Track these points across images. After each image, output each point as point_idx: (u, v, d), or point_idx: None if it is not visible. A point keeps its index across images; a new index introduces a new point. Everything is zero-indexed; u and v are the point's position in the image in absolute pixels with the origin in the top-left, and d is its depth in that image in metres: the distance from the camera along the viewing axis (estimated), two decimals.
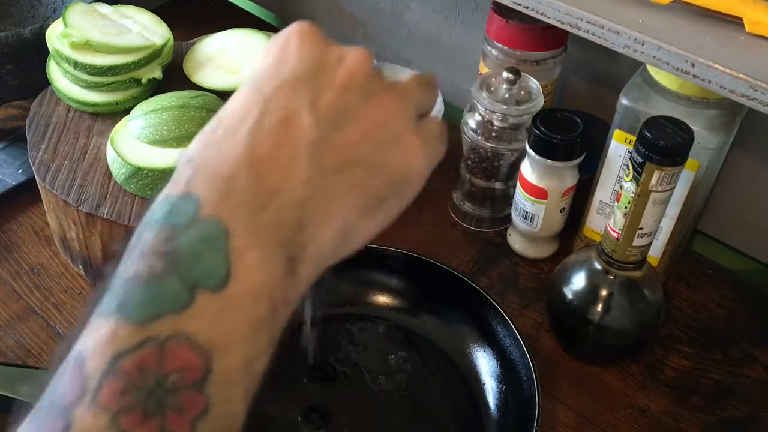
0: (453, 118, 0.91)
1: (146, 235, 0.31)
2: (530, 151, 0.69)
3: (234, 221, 0.30)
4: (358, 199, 0.34)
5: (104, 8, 0.76)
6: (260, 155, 0.31)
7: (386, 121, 0.35)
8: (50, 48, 0.72)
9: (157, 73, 0.74)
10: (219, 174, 0.31)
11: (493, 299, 0.65)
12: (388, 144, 0.35)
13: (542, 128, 0.68)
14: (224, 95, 0.74)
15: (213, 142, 0.33)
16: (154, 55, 0.74)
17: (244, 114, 0.33)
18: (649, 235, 0.60)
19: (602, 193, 0.70)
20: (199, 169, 0.32)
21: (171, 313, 0.29)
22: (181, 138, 0.66)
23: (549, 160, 0.69)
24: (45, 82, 0.75)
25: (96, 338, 0.29)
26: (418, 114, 0.37)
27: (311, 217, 0.32)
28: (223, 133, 0.33)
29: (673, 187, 0.57)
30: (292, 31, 0.36)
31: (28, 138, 0.71)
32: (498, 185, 0.78)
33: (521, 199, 0.73)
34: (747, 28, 0.51)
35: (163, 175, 0.64)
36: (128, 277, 0.30)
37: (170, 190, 0.32)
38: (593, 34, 0.55)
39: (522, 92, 0.72)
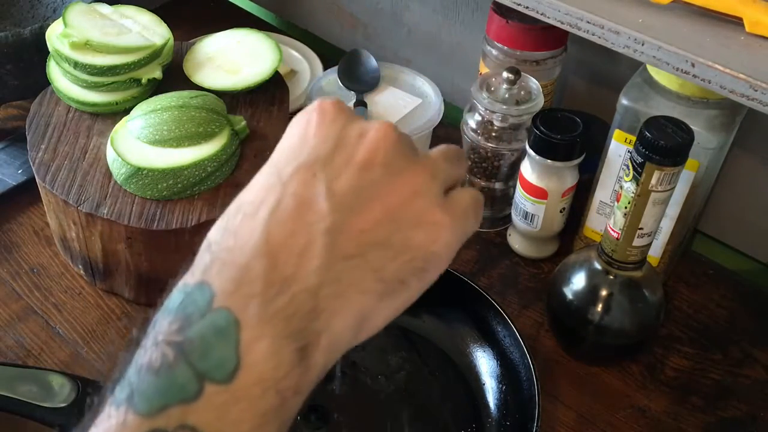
0: (453, 119, 0.91)
1: (161, 323, 0.31)
2: (530, 151, 0.69)
3: (246, 312, 0.30)
4: (376, 283, 0.33)
5: (104, 8, 0.76)
6: (275, 243, 0.32)
7: (409, 199, 0.34)
8: (50, 48, 0.72)
9: (157, 73, 0.74)
10: (234, 263, 0.32)
11: (493, 299, 0.65)
12: (410, 224, 0.34)
13: (542, 128, 0.68)
14: (224, 95, 0.74)
15: (231, 228, 0.33)
16: (154, 55, 0.74)
17: (261, 199, 0.33)
18: (649, 235, 0.60)
19: (602, 193, 0.71)
20: (216, 257, 0.32)
21: (179, 404, 0.29)
22: (181, 138, 0.66)
23: (549, 160, 0.69)
24: (45, 82, 0.75)
25: (106, 427, 0.30)
26: (445, 187, 0.36)
27: (326, 305, 0.31)
28: (242, 219, 0.33)
29: (673, 187, 0.57)
30: (313, 109, 0.36)
31: (28, 138, 0.71)
32: (498, 185, 0.78)
33: (521, 199, 0.73)
34: (747, 28, 0.51)
35: (163, 175, 0.64)
36: (141, 364, 0.30)
37: (188, 279, 0.32)
38: (593, 34, 0.55)
39: (522, 92, 0.72)
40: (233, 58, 0.77)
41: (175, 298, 0.32)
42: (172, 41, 0.76)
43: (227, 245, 0.32)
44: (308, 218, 0.32)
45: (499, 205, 0.80)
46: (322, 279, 0.31)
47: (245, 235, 0.32)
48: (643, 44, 0.52)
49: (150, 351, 0.30)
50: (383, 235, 0.33)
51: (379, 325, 0.35)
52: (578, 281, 0.66)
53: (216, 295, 0.31)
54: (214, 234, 0.34)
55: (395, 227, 0.33)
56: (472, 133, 0.74)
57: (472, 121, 0.74)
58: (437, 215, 0.34)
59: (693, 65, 0.51)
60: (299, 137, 0.35)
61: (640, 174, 0.56)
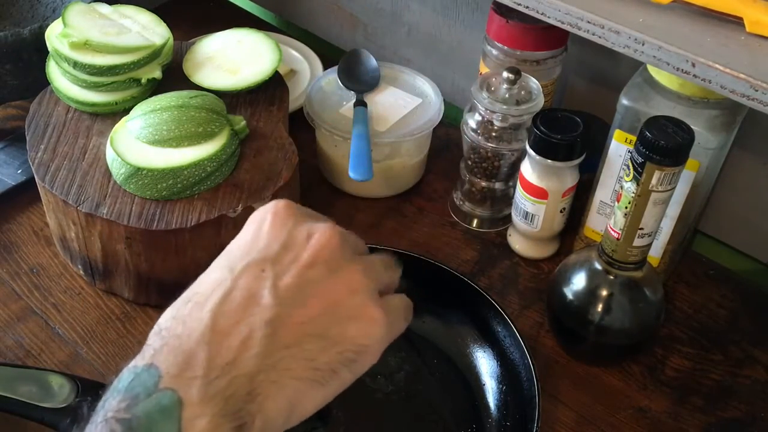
0: (453, 119, 0.91)
1: (110, 402, 0.34)
2: (530, 151, 0.69)
3: (189, 392, 0.34)
4: (309, 371, 0.37)
5: (104, 8, 0.76)
6: (220, 331, 0.35)
7: (347, 296, 0.38)
8: (50, 48, 0.72)
9: (157, 73, 0.74)
10: (181, 348, 0.35)
11: (493, 299, 0.65)
12: (346, 318, 0.38)
13: (542, 128, 0.68)
14: (224, 95, 0.74)
15: (180, 316, 0.37)
16: (154, 55, 0.74)
17: (211, 291, 0.37)
18: (650, 235, 0.60)
19: (602, 193, 0.70)
20: (165, 342, 0.36)
21: None
22: (180, 138, 0.66)
23: (549, 160, 0.68)
24: (44, 82, 0.75)
25: None
26: (379, 290, 0.40)
27: (261, 389, 0.35)
28: (191, 308, 0.37)
29: (674, 187, 0.57)
30: (268, 210, 0.40)
31: (27, 138, 0.71)
32: (498, 185, 0.78)
33: (521, 199, 0.73)
34: (747, 28, 0.51)
35: (162, 175, 0.64)
36: None
37: (137, 361, 0.35)
38: (593, 34, 0.55)
39: (522, 92, 0.72)
40: (233, 58, 0.77)
41: (124, 378, 0.35)
42: (171, 41, 0.76)
43: (176, 332, 0.36)
44: (253, 310, 0.36)
45: (499, 205, 0.80)
46: (260, 365, 0.35)
47: (193, 323, 0.36)
48: (643, 44, 0.52)
49: (99, 427, 0.33)
50: (320, 328, 0.37)
51: (309, 411, 0.38)
52: (578, 281, 0.66)
53: (162, 377, 0.34)
54: (164, 320, 0.37)
55: (331, 320, 0.37)
56: (472, 133, 0.74)
57: (472, 121, 0.74)
58: (372, 311, 0.38)
59: (693, 65, 0.51)
60: (252, 235, 0.40)
61: (640, 174, 0.56)
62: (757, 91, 0.48)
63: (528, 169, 0.71)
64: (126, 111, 0.71)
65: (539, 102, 0.72)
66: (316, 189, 0.84)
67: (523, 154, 0.72)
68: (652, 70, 0.63)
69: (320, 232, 0.39)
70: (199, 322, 0.36)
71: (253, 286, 0.37)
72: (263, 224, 0.40)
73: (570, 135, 0.68)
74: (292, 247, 0.38)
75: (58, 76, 0.73)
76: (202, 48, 0.79)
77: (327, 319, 0.37)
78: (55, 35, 0.72)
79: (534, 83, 0.72)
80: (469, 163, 0.77)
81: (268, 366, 0.35)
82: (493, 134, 0.73)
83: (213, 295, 0.37)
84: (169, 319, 0.37)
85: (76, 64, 0.70)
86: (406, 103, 0.82)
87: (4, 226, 0.77)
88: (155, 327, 0.37)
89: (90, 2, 0.77)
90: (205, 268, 0.66)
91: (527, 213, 0.73)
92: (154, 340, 0.36)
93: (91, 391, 0.56)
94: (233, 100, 0.76)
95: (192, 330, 0.35)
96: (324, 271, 0.38)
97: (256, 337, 0.35)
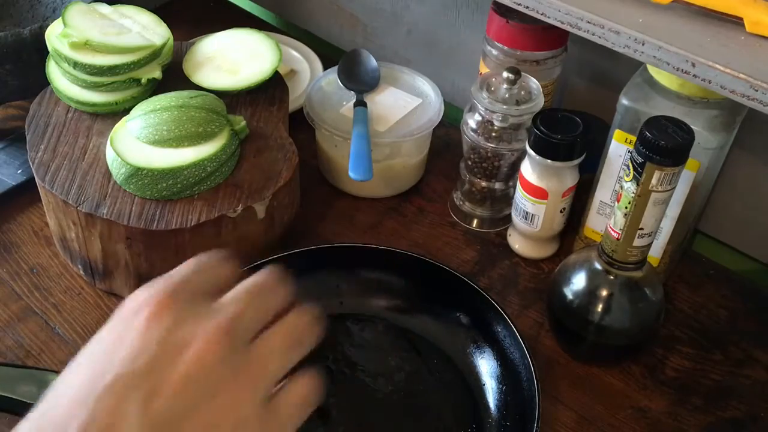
0: (453, 119, 0.91)
1: None
2: (530, 151, 0.69)
3: None
4: None
5: (104, 8, 0.76)
6: None
7: (227, 416, 0.32)
8: (50, 48, 0.72)
9: (157, 73, 0.74)
10: None
11: (493, 299, 0.65)
12: None
13: (542, 128, 0.68)
14: (224, 95, 0.74)
15: None
16: (154, 55, 0.74)
17: (71, 414, 0.30)
18: (650, 236, 0.60)
19: (602, 193, 0.70)
20: None
21: None
22: (180, 138, 0.66)
23: (549, 160, 0.68)
24: (45, 82, 0.75)
25: None
26: (275, 383, 0.35)
27: None
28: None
29: (674, 187, 0.57)
30: (143, 303, 0.33)
31: (27, 138, 0.71)
32: (498, 185, 0.78)
33: (521, 199, 0.73)
34: (747, 28, 0.51)
35: (162, 175, 0.64)
36: None
37: None
38: (593, 34, 0.55)
39: (522, 92, 0.72)
40: (233, 58, 0.77)
41: None
42: (171, 41, 0.76)
43: None
44: None
45: (499, 205, 0.80)
46: None
47: None
48: (643, 44, 0.52)
49: None
50: None
51: None
52: (578, 281, 0.66)
53: None
54: None
55: None
56: (472, 133, 0.74)
57: (472, 121, 0.74)
58: (257, 426, 0.33)
59: (693, 65, 0.51)
60: (118, 337, 0.32)
61: (640, 174, 0.56)
62: (757, 91, 0.48)
63: (528, 170, 0.71)
64: (126, 111, 0.71)
65: (539, 102, 0.72)
66: (316, 189, 0.84)
67: (523, 154, 0.72)
68: (652, 70, 0.63)
69: (200, 340, 0.32)
70: None
71: (117, 413, 0.30)
72: (134, 321, 0.32)
73: (570, 135, 0.68)
74: (163, 361, 0.31)
75: (58, 76, 0.73)
76: (202, 48, 0.79)
77: None
78: (55, 35, 0.72)
79: (534, 83, 0.72)
80: (469, 163, 0.77)
81: None
82: (493, 134, 0.73)
83: (72, 423, 0.30)
84: None
85: (76, 64, 0.70)
86: (406, 103, 0.82)
87: (4, 226, 0.77)
88: None
89: (90, 2, 0.77)
90: None
91: (527, 213, 0.73)
92: None
93: None
94: (233, 100, 0.76)
95: None
96: (200, 392, 0.31)
97: None
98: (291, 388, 0.36)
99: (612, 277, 0.64)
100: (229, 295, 0.35)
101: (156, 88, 0.75)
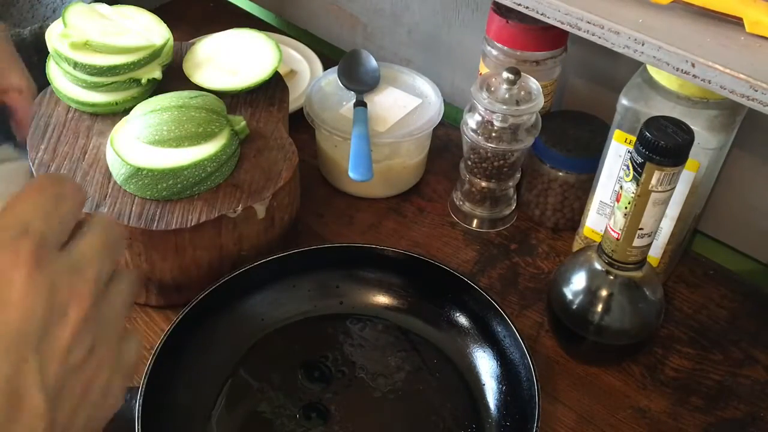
0: (453, 119, 0.91)
1: None
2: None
3: None
4: None
5: (104, 8, 0.76)
6: None
7: (102, 376, 0.34)
8: (50, 48, 0.72)
9: (157, 74, 0.74)
10: None
11: (493, 299, 0.65)
12: (100, 399, 0.34)
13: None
14: (224, 95, 0.74)
15: None
16: (154, 55, 0.74)
17: None
18: (650, 236, 0.60)
19: (602, 193, 0.70)
20: None
21: None
22: (180, 138, 0.66)
23: None
24: (45, 82, 0.74)
25: None
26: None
27: None
28: None
29: (674, 188, 0.57)
30: (19, 256, 0.31)
31: (27, 138, 0.71)
32: (498, 185, 0.78)
33: None
34: (747, 28, 0.51)
35: (162, 175, 0.64)
36: None
37: None
38: (593, 34, 0.55)
39: (522, 92, 0.72)
40: (233, 58, 0.77)
41: None
42: (171, 41, 0.76)
43: None
44: (20, 419, 0.29)
45: (499, 205, 0.80)
46: None
47: None
48: (643, 44, 0.52)
49: None
50: (81, 421, 0.33)
51: None
52: (578, 281, 0.66)
53: None
54: None
55: (87, 409, 0.33)
56: (472, 133, 0.74)
57: (472, 121, 0.74)
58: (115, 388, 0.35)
59: (693, 65, 0.51)
60: (1, 296, 0.30)
61: (640, 174, 0.56)
62: (756, 91, 0.48)
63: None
64: (126, 111, 0.71)
65: (539, 102, 0.72)
66: (316, 189, 0.84)
67: (522, 153, 0.72)
68: (652, 71, 0.63)
69: (78, 297, 0.32)
70: None
71: (17, 378, 0.29)
72: (14, 276, 0.30)
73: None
74: (52, 318, 0.31)
75: (58, 76, 0.73)
76: (202, 48, 0.79)
77: (86, 411, 0.33)
78: (55, 35, 0.72)
79: (534, 83, 0.72)
80: (469, 163, 0.77)
81: None
82: (493, 134, 0.73)
83: None
84: None
85: (76, 65, 0.70)
86: (405, 103, 0.82)
87: None
88: None
89: (90, 2, 0.77)
90: (206, 268, 0.67)
91: None
92: None
93: None
94: (233, 100, 0.76)
95: None
96: (83, 353, 0.32)
97: None
98: (132, 344, 0.37)
99: (612, 277, 0.64)
100: (87, 249, 0.34)
101: (156, 88, 0.75)
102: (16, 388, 0.29)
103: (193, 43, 0.80)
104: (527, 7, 0.58)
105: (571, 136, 0.76)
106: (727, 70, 0.49)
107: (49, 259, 0.31)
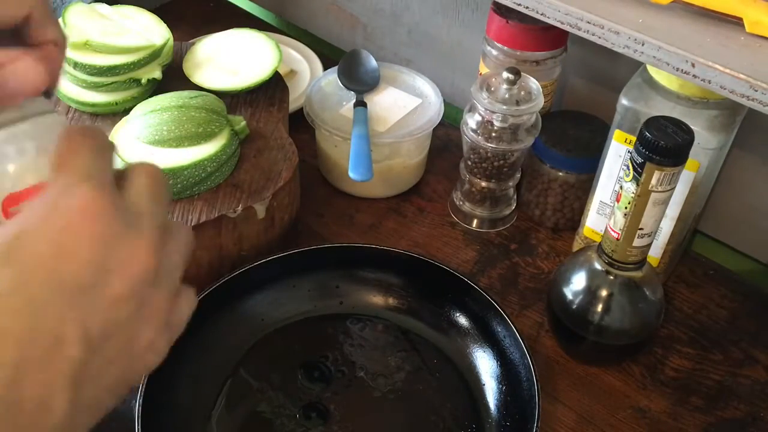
0: (453, 119, 0.91)
1: None
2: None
3: None
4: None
5: (104, 8, 0.76)
6: (24, 388, 0.28)
7: (147, 332, 0.33)
8: None
9: (157, 74, 0.74)
10: None
11: (493, 299, 0.65)
12: (140, 356, 0.33)
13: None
14: (224, 95, 0.74)
15: None
16: (154, 55, 0.74)
17: (4, 328, 0.28)
18: (650, 236, 0.60)
19: (602, 193, 0.70)
20: None
21: None
22: (180, 138, 0.66)
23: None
24: None
25: None
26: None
27: None
28: None
29: (674, 188, 0.57)
30: (82, 206, 0.30)
31: None
32: (498, 185, 0.78)
33: None
34: (747, 29, 0.51)
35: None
36: None
37: None
38: (593, 34, 0.55)
39: (522, 92, 0.72)
40: (233, 58, 0.77)
41: None
42: (171, 41, 0.76)
43: None
44: (57, 362, 0.29)
45: (499, 205, 0.80)
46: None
47: None
48: (643, 44, 0.52)
49: None
50: (118, 373, 0.32)
51: None
52: (578, 281, 0.66)
53: None
54: None
55: (128, 364, 0.33)
56: (472, 134, 0.74)
57: (472, 121, 0.74)
58: (160, 344, 0.34)
59: (693, 65, 0.51)
60: (58, 244, 0.30)
61: (640, 174, 0.56)
62: (756, 91, 0.48)
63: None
64: (126, 111, 0.71)
65: (539, 102, 0.72)
66: (316, 189, 0.84)
67: (523, 154, 0.72)
68: (652, 71, 0.63)
69: (138, 259, 0.31)
70: None
71: (58, 329, 0.29)
72: (80, 227, 0.30)
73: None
74: (105, 273, 0.30)
75: None
76: (202, 48, 0.79)
77: (122, 363, 0.32)
78: None
79: (534, 83, 0.72)
80: (469, 163, 0.77)
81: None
82: (493, 134, 0.73)
83: (9, 337, 0.28)
84: None
85: (76, 65, 0.70)
86: (405, 103, 0.82)
87: None
88: None
89: (90, 2, 0.77)
90: (206, 268, 0.67)
91: None
92: None
93: None
94: (233, 100, 0.76)
95: None
96: (132, 309, 0.32)
97: (56, 405, 0.29)
98: (185, 302, 0.36)
99: (612, 277, 0.64)
100: (141, 200, 0.34)
101: (156, 88, 0.75)
102: (57, 335, 0.29)
103: (193, 43, 0.80)
104: (527, 7, 0.58)
105: (571, 136, 0.76)
106: (727, 70, 0.49)
107: (110, 207, 0.31)
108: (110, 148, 0.35)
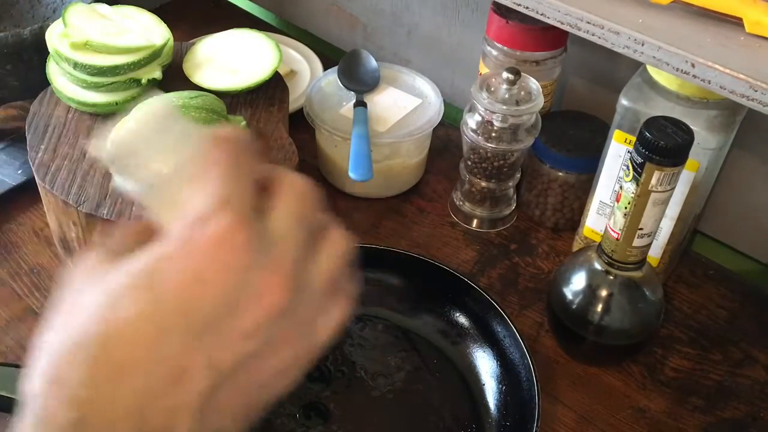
0: (453, 119, 0.91)
1: None
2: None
3: None
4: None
5: (104, 8, 0.76)
6: (148, 417, 0.28)
7: (275, 365, 0.32)
8: (50, 48, 0.72)
9: (157, 74, 0.74)
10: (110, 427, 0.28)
11: (493, 299, 0.65)
12: (271, 385, 0.32)
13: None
14: (224, 95, 0.74)
15: (103, 378, 0.28)
16: (154, 55, 0.74)
17: (136, 356, 0.29)
18: (649, 236, 0.60)
19: (602, 193, 0.70)
20: (86, 420, 0.28)
21: None
22: None
23: None
24: (45, 82, 0.74)
25: None
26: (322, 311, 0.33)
27: None
28: (109, 372, 0.28)
29: (673, 188, 0.57)
30: (219, 237, 0.29)
31: (27, 138, 0.71)
32: (498, 185, 0.78)
33: None
34: (747, 29, 0.51)
35: None
36: None
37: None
38: (593, 35, 0.55)
39: (522, 92, 0.72)
40: (233, 58, 0.77)
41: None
42: (172, 41, 0.76)
43: (101, 407, 0.28)
44: (182, 391, 0.29)
45: (499, 205, 0.80)
46: None
47: (117, 397, 0.28)
48: (643, 44, 0.52)
49: None
50: (243, 403, 0.31)
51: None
52: (578, 281, 0.66)
53: None
54: (78, 386, 0.28)
55: (257, 393, 0.32)
56: (472, 134, 0.74)
57: (472, 121, 0.74)
58: (291, 371, 0.33)
59: (693, 65, 0.51)
60: (194, 277, 0.29)
61: (640, 174, 0.56)
62: (756, 91, 0.48)
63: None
64: (126, 111, 0.71)
65: (539, 102, 0.72)
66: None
67: (523, 154, 0.72)
68: (652, 71, 0.63)
69: (270, 293, 0.30)
70: (124, 400, 0.28)
71: (186, 360, 0.29)
72: (209, 259, 0.29)
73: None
74: (236, 307, 0.30)
75: (58, 76, 0.73)
76: (202, 48, 0.79)
77: (249, 393, 0.31)
78: (55, 36, 0.72)
79: (534, 84, 0.72)
80: (469, 163, 0.77)
81: None
82: (493, 134, 0.73)
83: (138, 366, 0.29)
84: (86, 377, 0.29)
85: (76, 65, 0.70)
86: (405, 103, 0.82)
87: (5, 226, 0.77)
88: (62, 394, 0.29)
89: (90, 2, 0.77)
90: None
91: None
92: (67, 412, 0.29)
93: None
94: (233, 100, 0.76)
95: (117, 409, 0.28)
96: (263, 340, 0.31)
97: (186, 424, 0.29)
98: (332, 316, 0.34)
99: (612, 277, 0.64)
100: (282, 224, 0.32)
101: (156, 88, 0.75)
102: (184, 367, 0.29)
103: (193, 43, 0.80)
104: (527, 7, 0.58)
105: (571, 136, 0.76)
106: (727, 70, 0.49)
107: (246, 238, 0.30)
108: (251, 157, 0.32)
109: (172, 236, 0.30)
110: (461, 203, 0.81)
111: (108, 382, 0.28)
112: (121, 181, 0.33)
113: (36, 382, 0.30)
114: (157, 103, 0.32)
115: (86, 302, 0.30)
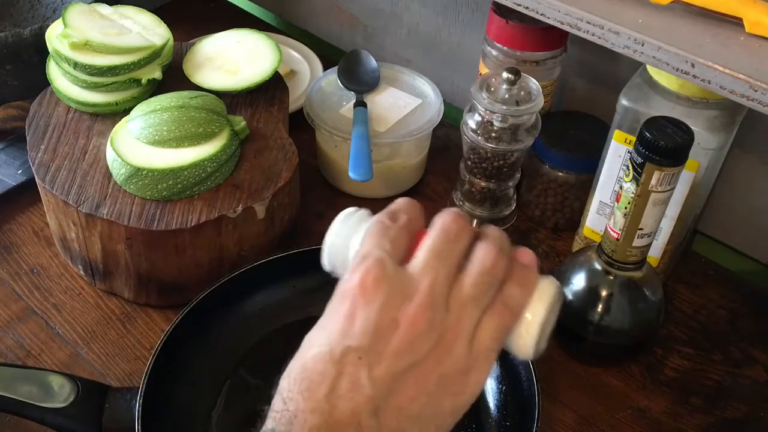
0: (453, 119, 0.91)
1: None
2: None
3: None
4: None
5: (104, 8, 0.76)
6: (336, 420, 0.36)
7: (435, 376, 0.38)
8: (50, 48, 0.72)
9: (157, 74, 0.74)
10: None
11: None
12: (440, 393, 0.38)
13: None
14: (224, 95, 0.74)
15: (302, 408, 0.37)
16: (154, 55, 0.74)
17: (321, 378, 0.37)
18: (649, 236, 0.60)
19: (602, 193, 0.70)
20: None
21: None
22: (180, 138, 0.66)
23: None
24: (45, 82, 0.75)
25: None
26: (473, 329, 0.39)
27: None
28: (304, 395, 0.38)
29: (673, 188, 0.57)
30: (359, 285, 0.38)
31: (27, 138, 0.71)
32: (498, 185, 0.78)
33: None
34: (747, 29, 0.51)
35: (163, 176, 0.64)
36: None
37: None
38: (593, 35, 0.55)
39: (522, 92, 0.72)
40: (233, 58, 0.77)
41: None
42: (172, 41, 0.76)
43: (299, 426, 0.37)
44: (357, 400, 0.37)
45: (499, 205, 0.80)
46: None
47: (310, 410, 0.37)
48: (643, 44, 0.52)
49: None
50: (417, 409, 0.38)
51: None
52: (578, 281, 0.66)
53: None
54: (281, 412, 0.39)
55: (427, 400, 0.38)
56: (472, 134, 0.74)
57: (472, 121, 0.74)
58: (464, 377, 0.38)
59: (693, 65, 0.51)
60: (347, 315, 0.38)
61: (640, 174, 0.56)
62: (756, 91, 0.48)
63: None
64: (126, 111, 0.71)
65: (539, 102, 0.72)
66: (316, 189, 0.84)
67: (522, 154, 0.72)
68: (652, 71, 0.63)
69: (408, 319, 0.38)
70: (315, 410, 0.37)
71: (355, 373, 0.37)
72: (355, 301, 0.38)
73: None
74: (382, 332, 0.38)
75: (58, 76, 0.73)
76: (203, 48, 0.79)
77: (423, 400, 0.38)
78: (55, 36, 0.72)
79: (534, 84, 0.72)
80: (469, 163, 0.77)
81: None
82: (493, 135, 0.73)
83: (323, 384, 0.37)
84: (285, 407, 0.39)
85: (76, 65, 0.70)
86: (405, 103, 0.82)
87: (5, 226, 0.77)
88: (279, 412, 0.39)
89: (90, 3, 0.77)
90: (206, 268, 0.67)
91: None
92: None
93: (91, 391, 0.56)
94: (233, 100, 0.76)
95: (309, 419, 0.37)
96: (410, 359, 0.38)
97: (365, 427, 0.37)
98: (486, 325, 0.39)
99: (612, 277, 0.64)
100: (420, 262, 0.39)
101: (156, 88, 0.75)
102: (354, 379, 0.37)
103: (193, 43, 0.80)
104: (527, 8, 0.58)
105: (571, 136, 0.76)
106: (727, 70, 0.49)
107: (384, 276, 0.38)
108: (401, 222, 0.41)
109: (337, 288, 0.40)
110: (461, 203, 0.81)
111: (304, 396, 0.38)
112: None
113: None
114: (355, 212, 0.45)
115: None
